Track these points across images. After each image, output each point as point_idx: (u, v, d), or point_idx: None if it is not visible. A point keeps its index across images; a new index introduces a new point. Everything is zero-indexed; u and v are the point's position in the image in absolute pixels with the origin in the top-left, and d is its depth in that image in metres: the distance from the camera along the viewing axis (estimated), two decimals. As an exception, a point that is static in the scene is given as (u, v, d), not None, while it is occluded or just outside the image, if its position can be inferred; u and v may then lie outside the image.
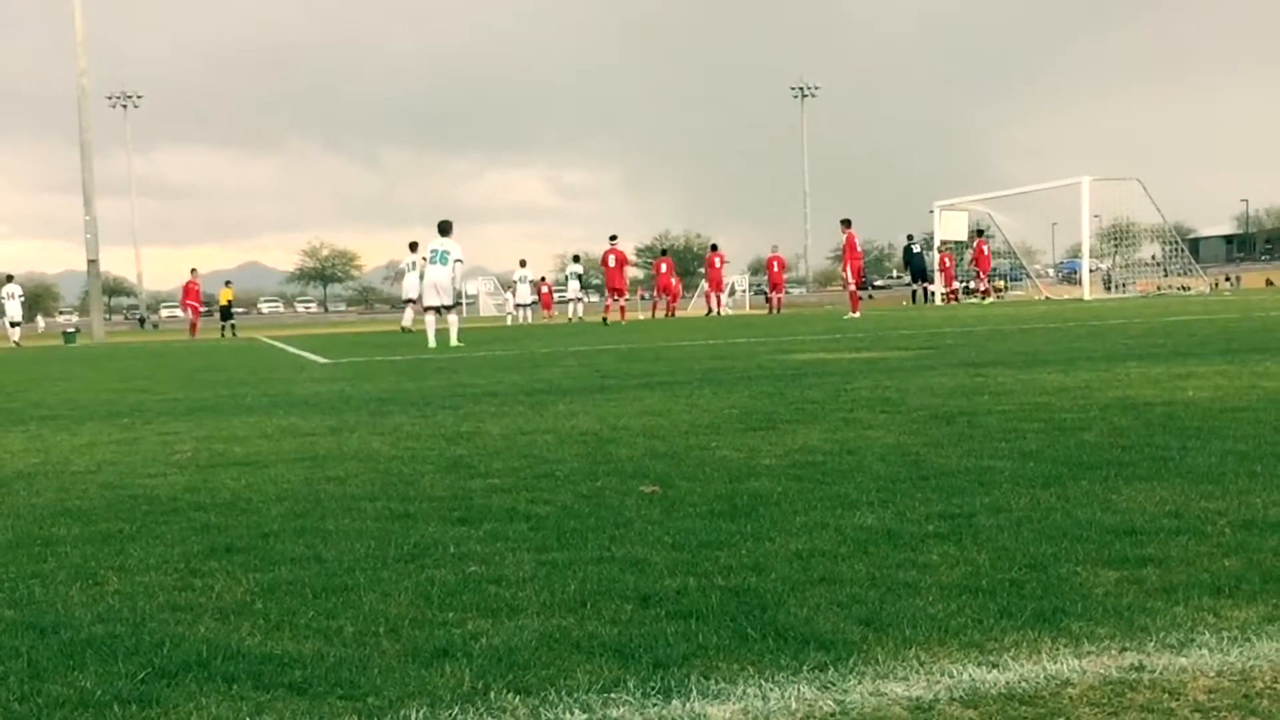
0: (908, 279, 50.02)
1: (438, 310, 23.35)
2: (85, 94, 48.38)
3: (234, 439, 7.79)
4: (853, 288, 33.66)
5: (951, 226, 47.71)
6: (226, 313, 48.32)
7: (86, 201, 47.71)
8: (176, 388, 13.42)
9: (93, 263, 48.58)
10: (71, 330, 51.47)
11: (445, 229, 23.45)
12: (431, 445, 7.10)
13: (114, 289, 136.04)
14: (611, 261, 39.83)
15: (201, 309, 49.26)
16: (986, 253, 45.91)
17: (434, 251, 23.38)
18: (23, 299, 45.63)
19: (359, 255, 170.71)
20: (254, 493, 5.63)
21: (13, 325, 43.64)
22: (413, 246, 31.66)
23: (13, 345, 40.89)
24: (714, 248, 48.40)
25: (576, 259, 48.79)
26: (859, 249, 34.22)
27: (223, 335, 44.58)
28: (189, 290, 49.16)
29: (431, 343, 22.54)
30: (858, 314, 31.26)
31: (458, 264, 23.27)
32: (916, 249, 48.76)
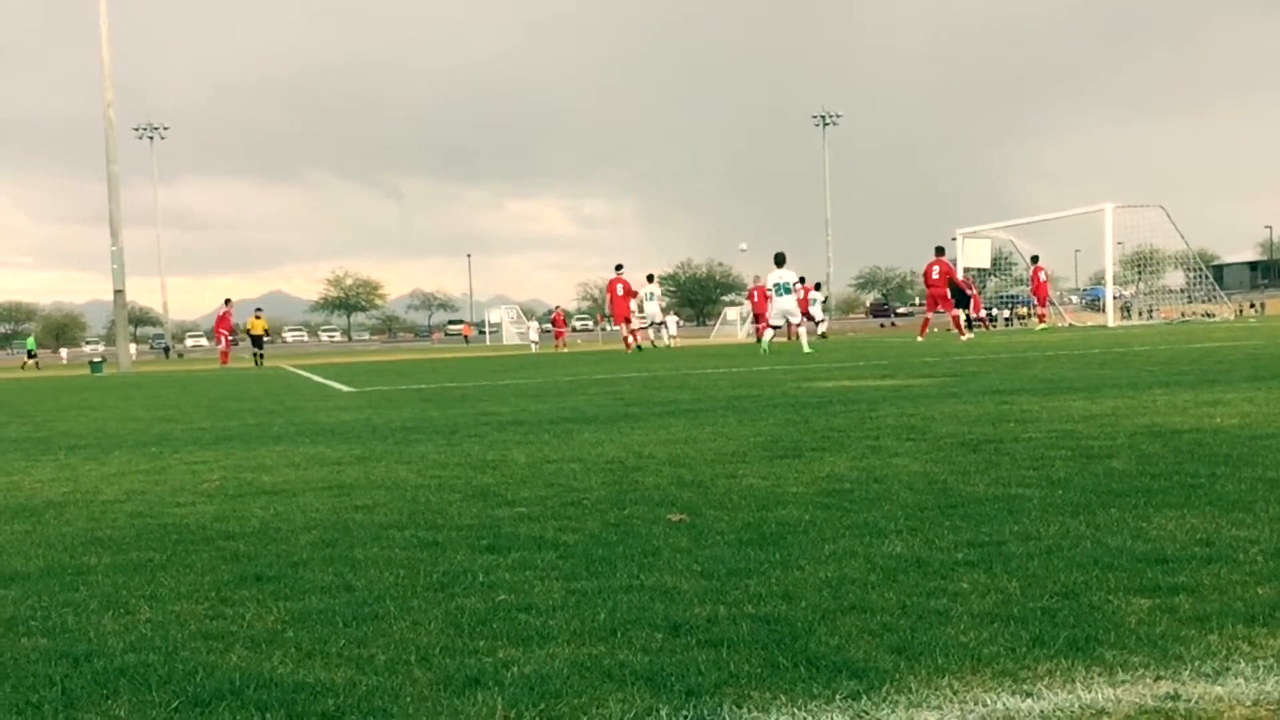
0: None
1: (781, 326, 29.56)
2: (112, 125, 48.74)
3: (262, 468, 7.82)
4: (955, 313, 33.42)
5: (974, 254, 47.63)
6: (258, 341, 48.54)
7: (113, 232, 48.00)
8: (203, 417, 13.48)
9: (119, 293, 48.81)
10: (98, 360, 51.71)
11: (781, 261, 28.85)
12: (458, 473, 7.11)
13: (140, 318, 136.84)
14: (619, 290, 40.41)
15: (232, 339, 49.64)
16: (1044, 279, 45.37)
17: (777, 285, 28.81)
18: None
19: (382, 284, 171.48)
20: (283, 521, 5.65)
21: None
22: (649, 279, 40.48)
23: None
24: (756, 279, 48.46)
25: (650, 278, 47.65)
26: (943, 273, 33.40)
27: (256, 364, 44.73)
28: (222, 320, 49.57)
29: (805, 348, 27.48)
30: (966, 337, 31.25)
31: (798, 285, 29.83)
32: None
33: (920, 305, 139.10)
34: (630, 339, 39.86)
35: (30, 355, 70.77)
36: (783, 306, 28.98)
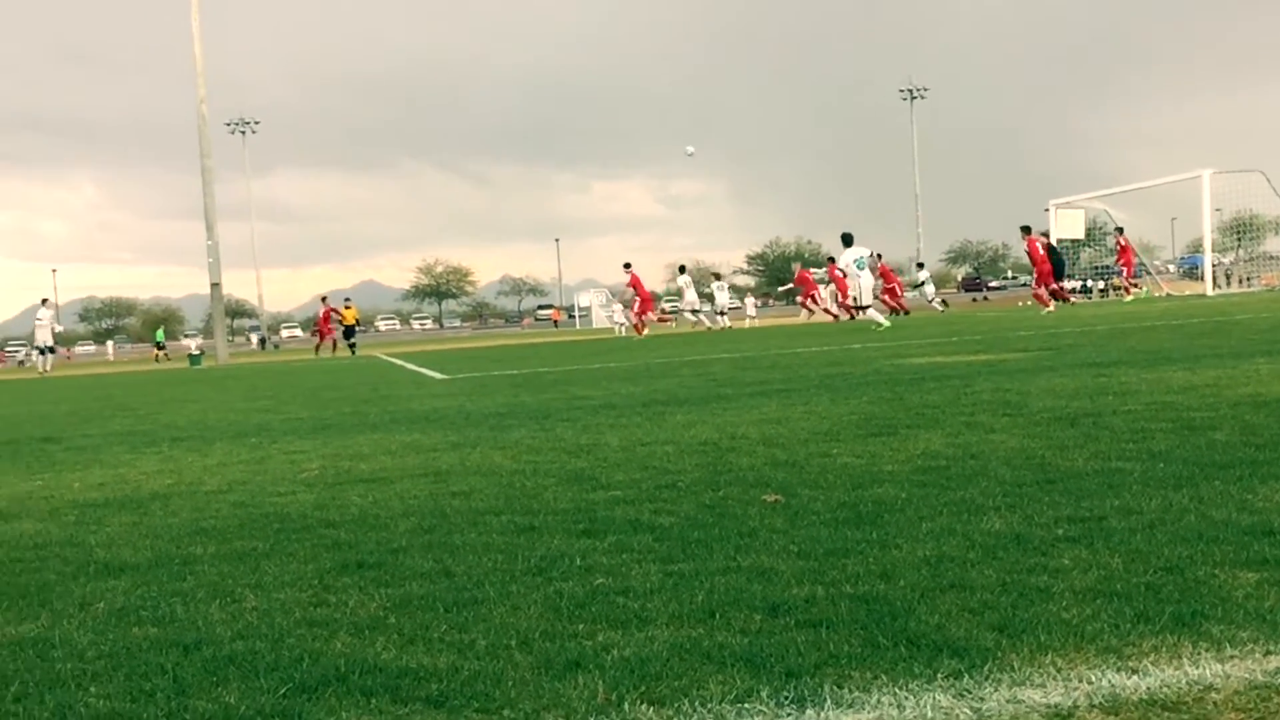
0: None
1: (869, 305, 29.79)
2: (205, 121, 49.54)
3: (359, 456, 7.92)
4: (1038, 290, 33.98)
5: (1067, 225, 46.90)
6: (350, 331, 48.98)
7: (208, 226, 48.82)
8: (300, 407, 13.69)
9: (215, 286, 49.64)
10: (197, 353, 52.61)
11: (849, 240, 29.31)
12: (552, 458, 7.16)
13: (236, 311, 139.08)
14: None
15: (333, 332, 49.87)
16: (1130, 247, 44.49)
17: (857, 261, 29.35)
18: (56, 326, 45.87)
19: (473, 271, 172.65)
20: (381, 509, 5.72)
21: (41, 353, 43.24)
22: (681, 269, 42.73)
23: (39, 375, 40.95)
24: (831, 260, 48.20)
25: (718, 276, 49.69)
26: (1040, 254, 33.58)
27: (352, 353, 45.17)
28: (324, 319, 49.65)
29: (884, 322, 28.18)
30: (1050, 308, 31.81)
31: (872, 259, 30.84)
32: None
33: (1012, 278, 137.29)
34: (640, 326, 41.83)
35: (159, 346, 72.14)
36: (866, 283, 29.75)
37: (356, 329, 50.31)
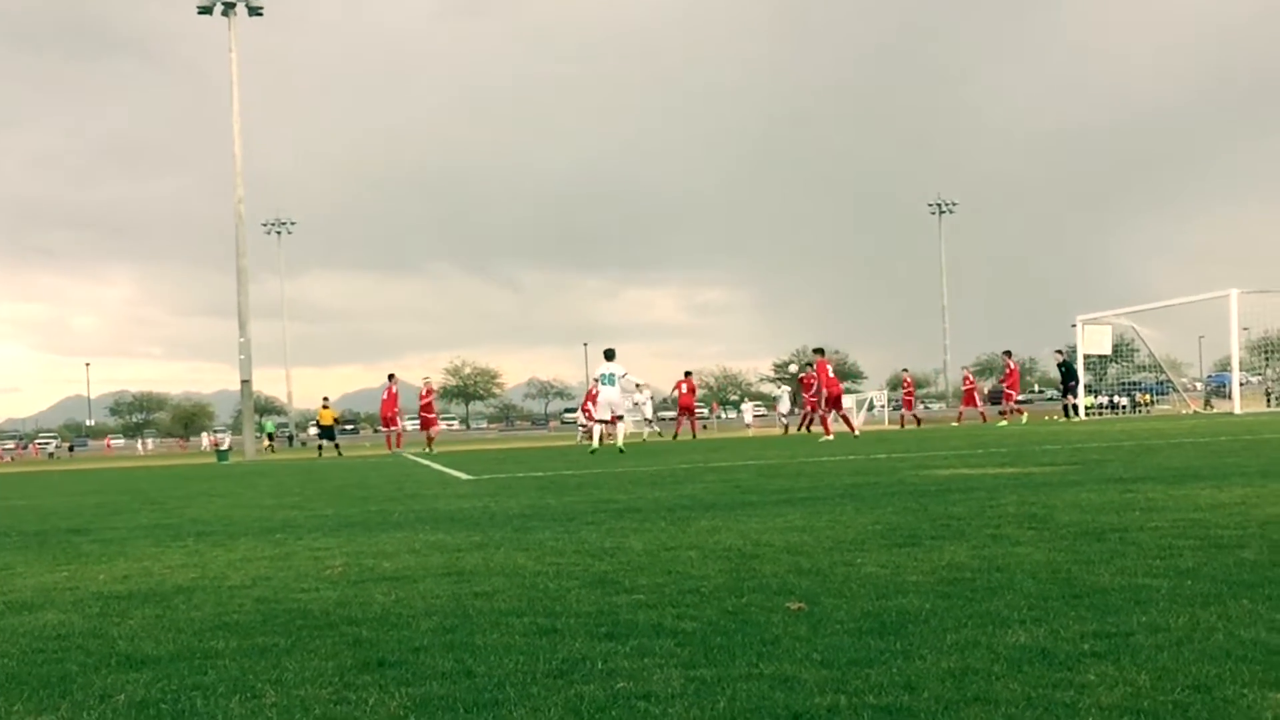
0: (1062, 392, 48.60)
1: (609, 421, 29.38)
2: (242, 220, 50.30)
3: (383, 554, 7.92)
4: (824, 413, 34.20)
5: (1094, 340, 46.89)
6: (328, 432, 47.69)
7: (241, 324, 49.31)
8: (326, 504, 13.70)
9: (245, 383, 50.04)
10: (225, 448, 52.76)
11: (610, 355, 29.61)
12: (576, 560, 7.14)
13: (265, 408, 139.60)
14: (684, 389, 45.47)
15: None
16: (1015, 369, 44.89)
17: (604, 375, 29.42)
18: None
19: (500, 373, 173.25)
20: (404, 607, 5.72)
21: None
22: (608, 355, 33.38)
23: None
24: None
25: (609, 354, 44.09)
26: (829, 376, 33.88)
27: (319, 454, 43.99)
28: (389, 403, 43.65)
29: (604, 444, 28.65)
30: (829, 436, 31.40)
31: (624, 379, 29.65)
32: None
33: (1039, 392, 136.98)
34: (396, 441, 40.62)
35: (270, 438, 71.88)
36: (608, 398, 29.39)
37: (335, 429, 48.73)
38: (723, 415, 77.27)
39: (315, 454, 45.35)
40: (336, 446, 46.82)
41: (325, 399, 51.32)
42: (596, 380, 31.07)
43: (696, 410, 49.50)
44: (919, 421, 47.80)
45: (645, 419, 47.98)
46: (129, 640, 5.18)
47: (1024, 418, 43.72)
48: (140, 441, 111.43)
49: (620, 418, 29.44)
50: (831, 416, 33.95)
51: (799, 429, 46.13)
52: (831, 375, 33.83)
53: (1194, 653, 4.02)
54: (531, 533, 8.87)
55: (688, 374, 46.32)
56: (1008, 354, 46.64)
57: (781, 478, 14.50)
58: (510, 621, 5.20)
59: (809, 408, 44.03)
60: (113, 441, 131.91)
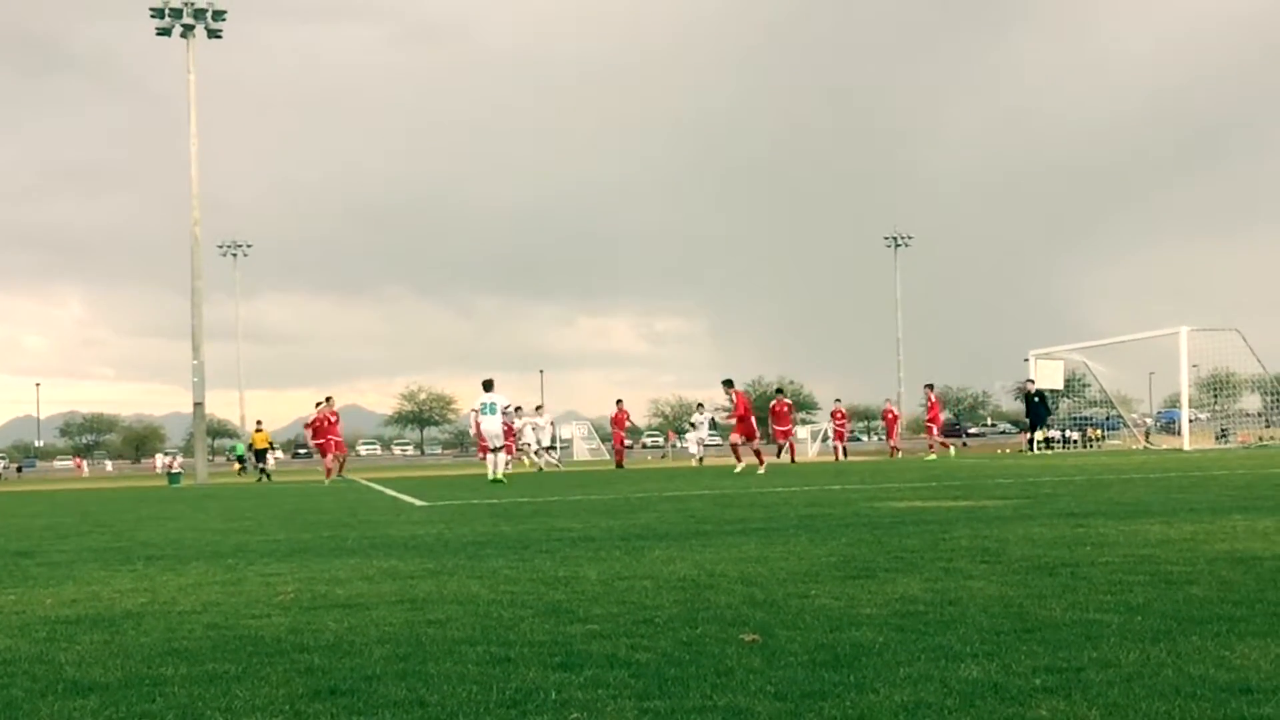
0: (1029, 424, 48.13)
1: (494, 451, 29.02)
2: (198, 243, 49.94)
3: (335, 581, 7.87)
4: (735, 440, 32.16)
5: (1047, 375, 47.21)
6: (261, 455, 47.31)
7: (195, 346, 48.94)
8: (278, 529, 13.60)
9: (198, 405, 49.61)
10: (176, 471, 52.23)
11: (489, 385, 29.82)
12: (530, 589, 7.12)
13: (217, 431, 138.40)
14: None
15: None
16: (937, 403, 44.81)
17: (484, 405, 29.44)
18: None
19: (455, 399, 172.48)
20: (356, 635, 5.68)
21: None
22: (486, 385, 31.42)
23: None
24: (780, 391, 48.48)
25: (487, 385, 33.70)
26: (744, 410, 31.53)
27: (258, 480, 43.17)
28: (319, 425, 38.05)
29: (491, 475, 28.11)
30: (740, 466, 30.37)
31: (505, 409, 29.90)
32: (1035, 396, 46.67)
33: (991, 426, 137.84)
34: (335, 470, 36.55)
35: (240, 460, 67.63)
36: (488, 429, 29.20)
37: (269, 453, 48.31)
38: (677, 444, 77.12)
39: (256, 478, 44.66)
40: (265, 473, 45.64)
41: (259, 422, 50.50)
42: (475, 411, 30.82)
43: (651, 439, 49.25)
44: (845, 453, 47.85)
45: (543, 447, 45.72)
46: (76, 666, 5.12)
47: (951, 451, 43.54)
48: (100, 463, 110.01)
49: (501, 448, 29.07)
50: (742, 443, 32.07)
51: (779, 457, 45.41)
52: (746, 399, 32.46)
53: (1144, 689, 4.05)
54: (485, 560, 8.84)
55: (619, 401, 46.27)
56: (929, 387, 45.55)
57: (737, 507, 14.52)
58: (464, 650, 5.18)
59: (779, 439, 43.49)
60: (56, 464, 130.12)
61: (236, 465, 64.48)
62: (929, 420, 44.01)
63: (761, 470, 29.68)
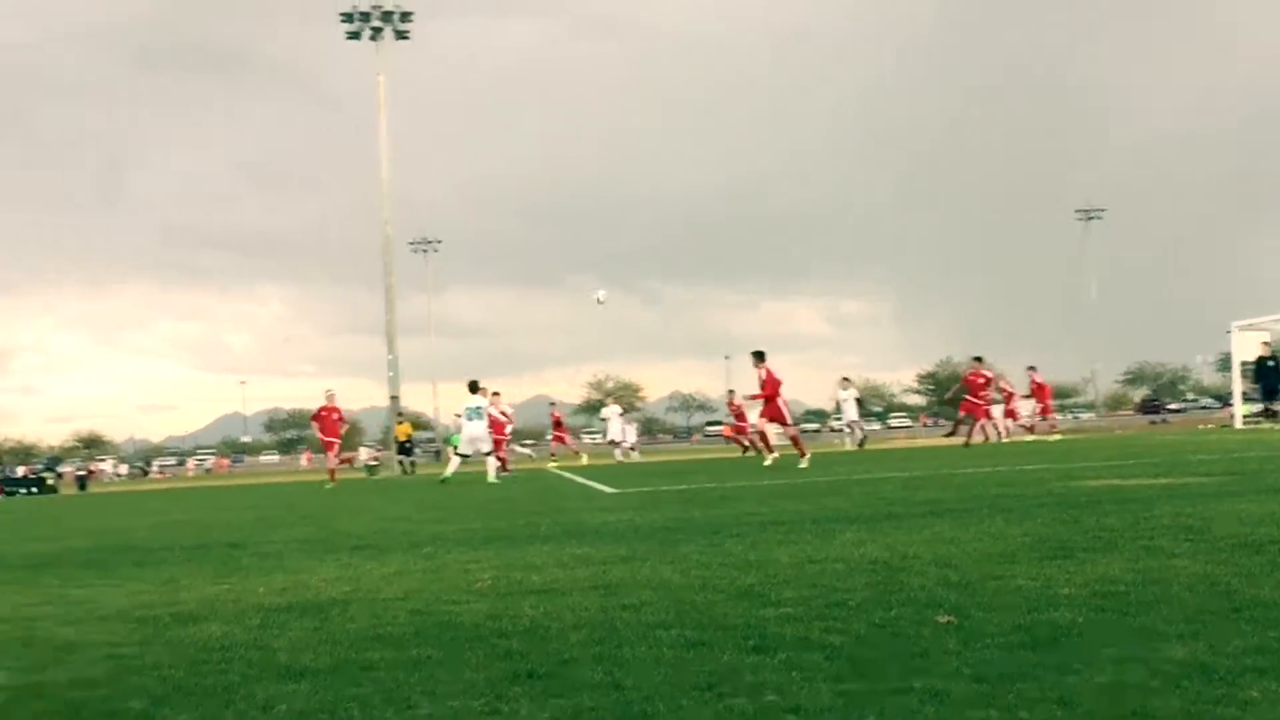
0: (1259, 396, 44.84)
1: (470, 455, 28.76)
2: (390, 241, 51.40)
3: (531, 567, 8.02)
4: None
5: (1248, 347, 45.36)
6: (405, 448, 47.48)
7: (389, 341, 50.39)
8: (473, 518, 13.91)
9: (394, 399, 51.02)
10: (374, 464, 53.74)
11: (474, 388, 28.89)
12: (722, 574, 7.16)
13: (413, 423, 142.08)
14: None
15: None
16: (1046, 385, 42.20)
17: (468, 410, 28.42)
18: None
19: (643, 386, 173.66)
20: (552, 620, 5.79)
21: None
22: (473, 388, 30.16)
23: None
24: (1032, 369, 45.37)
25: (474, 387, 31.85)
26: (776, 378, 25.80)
27: (403, 473, 43.39)
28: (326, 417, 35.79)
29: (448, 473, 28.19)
30: (768, 462, 25.80)
31: (489, 414, 29.01)
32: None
33: (1193, 401, 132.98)
34: (338, 468, 35.95)
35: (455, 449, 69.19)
36: (471, 433, 28.27)
37: (410, 444, 48.04)
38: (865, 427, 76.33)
39: (403, 471, 44.60)
40: (412, 464, 46.20)
41: (400, 414, 50.47)
42: (458, 416, 30.14)
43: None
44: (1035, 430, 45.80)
45: (628, 445, 44.88)
46: (288, 652, 5.33)
47: (1030, 436, 40.13)
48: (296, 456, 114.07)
49: (487, 452, 28.31)
50: (775, 430, 26.97)
51: (949, 436, 43.90)
52: (777, 377, 25.77)
53: (1362, 669, 3.89)
54: (677, 546, 8.91)
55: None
56: (978, 360, 39.72)
57: (928, 489, 14.34)
58: (658, 634, 5.23)
59: (966, 412, 37.84)
60: (263, 458, 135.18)
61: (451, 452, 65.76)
62: (1040, 401, 41.89)
63: (768, 463, 25.40)
